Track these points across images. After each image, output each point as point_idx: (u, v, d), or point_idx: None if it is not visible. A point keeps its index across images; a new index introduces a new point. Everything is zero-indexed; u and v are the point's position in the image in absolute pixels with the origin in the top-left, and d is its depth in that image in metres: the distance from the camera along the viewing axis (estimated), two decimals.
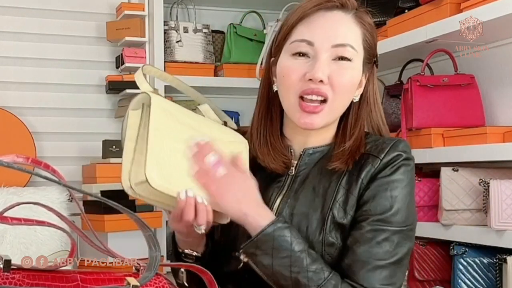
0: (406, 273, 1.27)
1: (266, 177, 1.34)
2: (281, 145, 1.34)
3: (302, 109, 1.27)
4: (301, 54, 1.27)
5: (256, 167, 1.33)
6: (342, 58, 1.27)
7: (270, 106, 1.36)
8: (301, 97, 1.27)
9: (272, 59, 1.35)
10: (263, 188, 1.32)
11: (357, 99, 1.33)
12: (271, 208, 1.30)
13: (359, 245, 1.23)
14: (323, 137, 1.34)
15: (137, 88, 1.19)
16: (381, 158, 1.27)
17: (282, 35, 1.31)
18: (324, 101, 1.27)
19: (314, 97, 1.26)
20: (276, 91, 1.33)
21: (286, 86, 1.29)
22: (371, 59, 1.34)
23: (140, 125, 1.19)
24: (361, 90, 1.33)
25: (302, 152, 1.34)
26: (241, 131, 1.39)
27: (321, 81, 1.24)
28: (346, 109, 1.33)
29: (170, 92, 3.05)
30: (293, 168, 1.34)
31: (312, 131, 1.31)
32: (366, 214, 1.25)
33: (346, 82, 1.27)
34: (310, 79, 1.25)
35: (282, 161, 1.33)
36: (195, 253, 1.30)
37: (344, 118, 1.34)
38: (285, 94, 1.30)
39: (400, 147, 1.29)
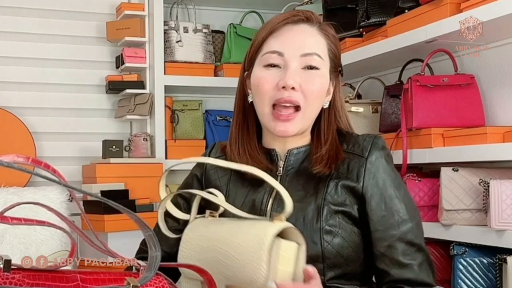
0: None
1: (253, 180, 1.38)
2: (258, 154, 1.42)
3: (276, 117, 1.35)
4: (273, 65, 1.37)
5: (240, 174, 1.41)
6: (310, 67, 1.36)
7: (246, 117, 1.45)
8: (274, 106, 1.35)
9: (246, 72, 1.44)
10: (253, 191, 1.39)
11: (326, 105, 1.42)
12: (264, 208, 1.36)
13: (391, 267, 1.34)
14: (302, 140, 1.42)
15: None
16: (365, 157, 1.36)
17: (254, 50, 1.41)
18: (297, 109, 1.35)
19: (288, 105, 1.34)
20: (251, 102, 1.41)
21: (260, 96, 1.37)
22: (337, 68, 1.44)
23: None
24: (329, 98, 1.42)
25: (287, 153, 1.41)
26: (222, 145, 1.49)
27: (293, 88, 1.33)
28: (317, 116, 1.41)
29: (170, 92, 3.06)
30: (281, 168, 1.41)
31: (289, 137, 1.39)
32: (384, 235, 1.34)
33: (316, 89, 1.36)
34: (283, 87, 1.33)
35: (260, 169, 1.35)
36: None
37: (316, 124, 1.43)
38: (260, 103, 1.38)
39: (380, 144, 1.38)
